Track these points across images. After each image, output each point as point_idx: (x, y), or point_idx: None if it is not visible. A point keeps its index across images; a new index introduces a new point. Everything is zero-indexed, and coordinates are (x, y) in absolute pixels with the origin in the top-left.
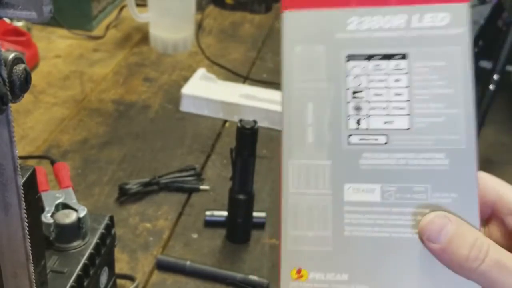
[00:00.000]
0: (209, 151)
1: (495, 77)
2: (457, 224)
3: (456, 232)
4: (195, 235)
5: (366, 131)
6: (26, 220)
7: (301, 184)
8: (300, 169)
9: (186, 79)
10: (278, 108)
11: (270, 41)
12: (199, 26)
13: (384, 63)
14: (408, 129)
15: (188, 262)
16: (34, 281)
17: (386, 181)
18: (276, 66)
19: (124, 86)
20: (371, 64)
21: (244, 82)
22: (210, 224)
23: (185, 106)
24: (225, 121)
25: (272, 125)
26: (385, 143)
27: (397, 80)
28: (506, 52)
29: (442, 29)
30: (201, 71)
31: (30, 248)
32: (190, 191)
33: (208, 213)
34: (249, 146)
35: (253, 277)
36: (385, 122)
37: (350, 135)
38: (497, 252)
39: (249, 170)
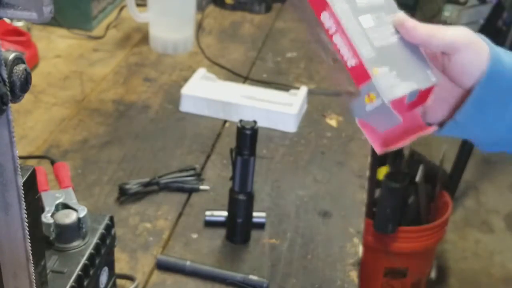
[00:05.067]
0: (209, 151)
1: None
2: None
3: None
4: (195, 235)
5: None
6: (26, 220)
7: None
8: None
9: (186, 79)
10: (278, 108)
11: (270, 41)
12: (199, 26)
13: None
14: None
15: (188, 262)
16: (34, 281)
17: (371, 12)
18: (276, 66)
19: (124, 86)
20: None
21: (244, 82)
22: (210, 224)
23: (185, 106)
24: (225, 121)
25: (272, 125)
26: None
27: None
28: None
29: None
30: (201, 71)
31: (30, 248)
32: (190, 191)
33: (208, 213)
34: (249, 146)
35: (253, 277)
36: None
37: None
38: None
39: (249, 170)
